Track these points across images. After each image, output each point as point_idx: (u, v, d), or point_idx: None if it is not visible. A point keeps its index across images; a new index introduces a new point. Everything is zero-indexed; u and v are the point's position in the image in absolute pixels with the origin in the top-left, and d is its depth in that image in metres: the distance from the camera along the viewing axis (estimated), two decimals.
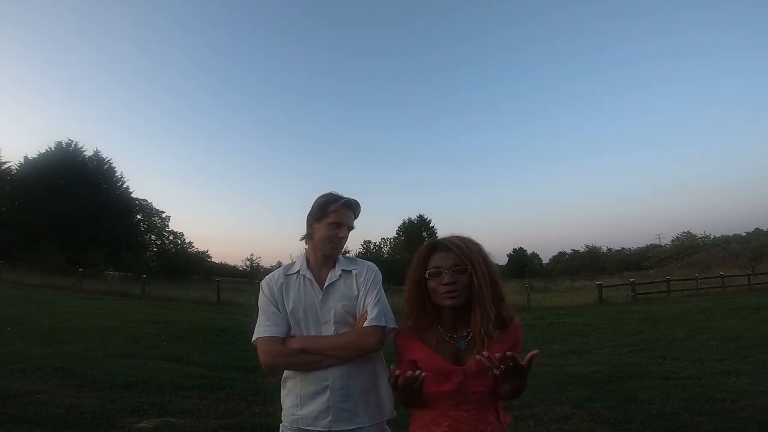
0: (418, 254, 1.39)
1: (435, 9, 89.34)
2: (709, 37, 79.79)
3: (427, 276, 1.34)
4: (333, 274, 1.54)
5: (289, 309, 1.50)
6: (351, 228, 1.57)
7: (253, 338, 1.50)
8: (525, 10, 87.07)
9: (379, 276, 1.58)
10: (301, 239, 1.63)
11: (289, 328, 1.51)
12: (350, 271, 1.56)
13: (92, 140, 74.84)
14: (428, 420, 1.35)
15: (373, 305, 1.48)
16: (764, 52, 75.21)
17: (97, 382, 4.55)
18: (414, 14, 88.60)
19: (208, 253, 48.65)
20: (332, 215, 1.52)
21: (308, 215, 1.58)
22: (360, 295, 1.52)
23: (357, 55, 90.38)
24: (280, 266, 1.67)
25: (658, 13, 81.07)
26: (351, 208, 1.56)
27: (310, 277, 1.54)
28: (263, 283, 1.57)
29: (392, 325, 1.48)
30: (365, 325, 1.46)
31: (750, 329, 8.41)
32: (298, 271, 1.56)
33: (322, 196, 1.57)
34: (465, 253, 1.30)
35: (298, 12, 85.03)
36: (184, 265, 39.94)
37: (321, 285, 1.53)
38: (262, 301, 1.54)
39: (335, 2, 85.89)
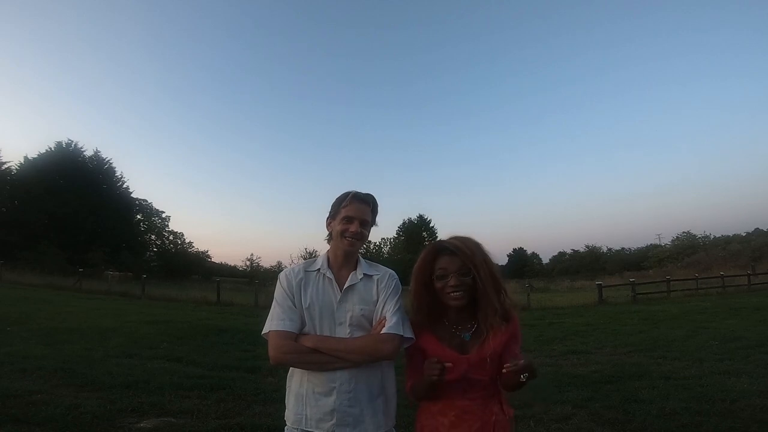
0: (424, 256, 1.48)
1: (435, 9, 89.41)
2: (709, 37, 79.83)
3: (434, 278, 1.44)
4: (354, 276, 1.54)
5: (305, 305, 1.49)
6: (366, 222, 1.55)
7: (265, 330, 1.48)
8: (525, 11, 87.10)
9: (400, 285, 1.57)
10: (325, 239, 1.64)
11: (303, 325, 1.49)
12: (371, 276, 1.56)
13: (92, 140, 75.34)
14: (435, 411, 1.43)
15: (392, 313, 1.47)
16: (764, 51, 75.16)
17: (97, 382, 4.55)
18: (415, 14, 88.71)
19: (208, 253, 48.54)
20: (343, 210, 1.54)
21: (327, 217, 1.62)
22: (379, 301, 1.52)
23: (357, 55, 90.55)
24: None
25: (656, 12, 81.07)
26: (362, 201, 1.56)
27: (330, 276, 1.53)
28: (282, 276, 1.56)
29: (409, 335, 1.46)
30: (383, 331, 1.44)
31: (750, 329, 8.43)
32: (319, 269, 1.55)
33: (338, 196, 1.60)
34: (469, 257, 1.40)
35: (298, 12, 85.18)
36: (184, 265, 39.89)
37: (340, 285, 1.53)
38: (279, 293, 1.52)
39: (335, 3, 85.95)
